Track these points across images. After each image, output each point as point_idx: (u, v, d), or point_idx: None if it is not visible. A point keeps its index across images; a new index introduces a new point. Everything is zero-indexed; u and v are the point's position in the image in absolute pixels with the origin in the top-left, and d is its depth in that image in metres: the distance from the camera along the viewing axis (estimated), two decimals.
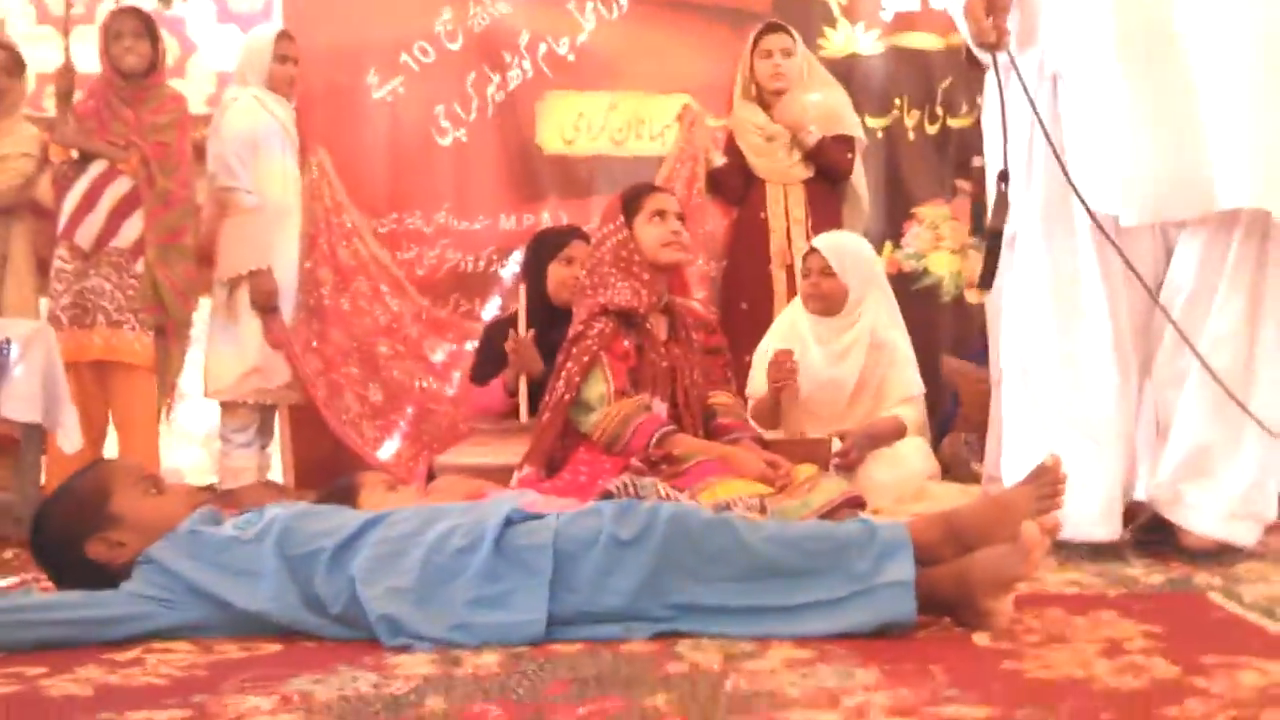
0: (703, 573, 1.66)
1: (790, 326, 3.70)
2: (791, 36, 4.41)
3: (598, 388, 2.83)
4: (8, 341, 3.13)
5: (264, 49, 4.35)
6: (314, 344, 4.43)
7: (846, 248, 3.70)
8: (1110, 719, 1.16)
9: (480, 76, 4.68)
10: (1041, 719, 1.17)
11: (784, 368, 3.43)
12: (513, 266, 4.54)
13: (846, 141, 4.38)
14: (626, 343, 2.88)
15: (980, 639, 1.57)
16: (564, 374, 2.86)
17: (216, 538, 1.86)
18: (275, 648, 1.71)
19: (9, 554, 3.01)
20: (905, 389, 3.59)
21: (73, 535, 1.90)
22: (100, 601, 1.81)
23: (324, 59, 4.67)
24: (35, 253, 4.29)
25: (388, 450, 4.43)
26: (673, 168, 4.54)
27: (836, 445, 3.34)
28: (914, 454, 3.51)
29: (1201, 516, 2.29)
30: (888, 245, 4.62)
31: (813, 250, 3.70)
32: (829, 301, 3.62)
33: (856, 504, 2.63)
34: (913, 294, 4.55)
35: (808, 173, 4.37)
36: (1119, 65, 2.27)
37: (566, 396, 2.83)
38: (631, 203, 2.97)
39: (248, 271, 4.21)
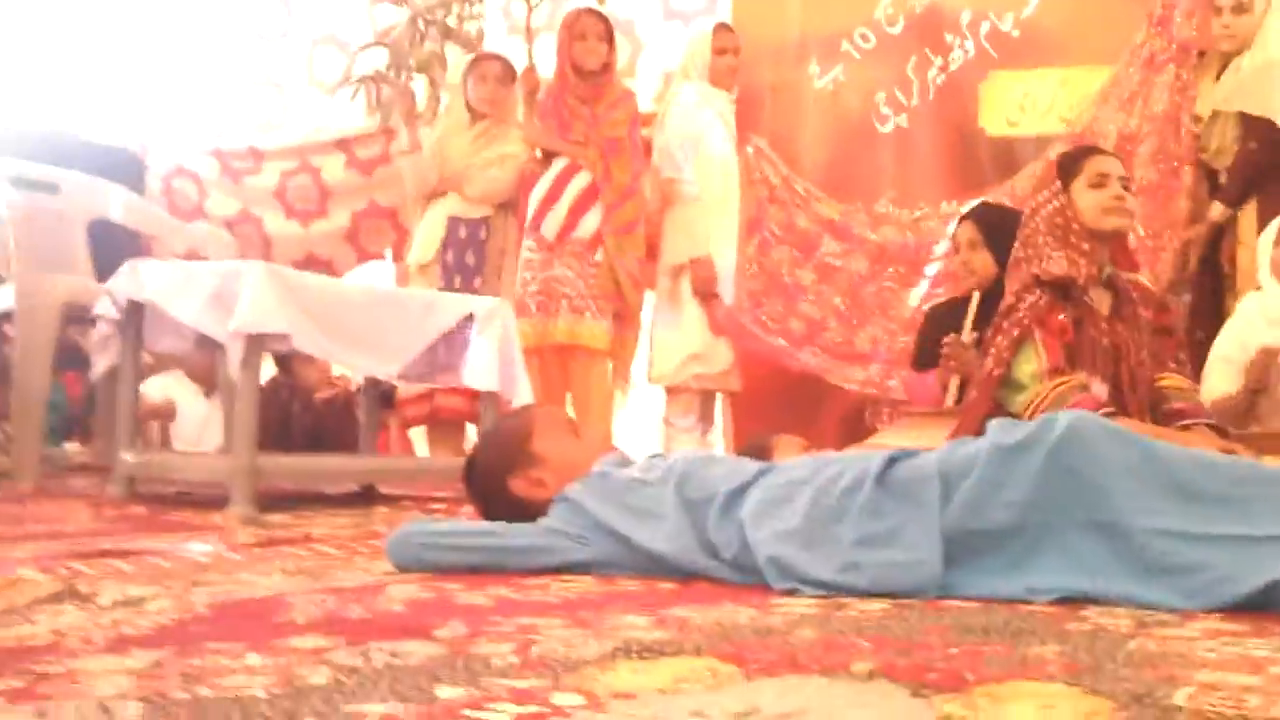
0: (1103, 485, 1.48)
1: (1254, 313, 3.27)
2: None
3: (1029, 365, 2.62)
4: (470, 316, 3.42)
5: (703, 43, 4.52)
6: (786, 324, 4.47)
7: None
8: None
9: (921, 60, 4.58)
10: None
11: (1267, 368, 3.02)
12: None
13: (1266, 127, 3.77)
14: (1063, 317, 2.66)
15: None
16: (993, 349, 2.69)
17: (623, 478, 1.93)
18: (671, 586, 1.74)
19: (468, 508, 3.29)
20: None
21: (499, 471, 2.04)
22: (519, 532, 1.92)
23: (768, 52, 4.78)
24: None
25: (890, 383, 4.35)
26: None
27: None
28: None
29: None
30: None
31: None
32: None
33: None
34: None
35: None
36: None
37: (996, 373, 2.66)
38: (1070, 166, 2.75)
39: (689, 260, 4.36)
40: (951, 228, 3.93)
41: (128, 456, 3.30)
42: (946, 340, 3.29)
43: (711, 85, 4.50)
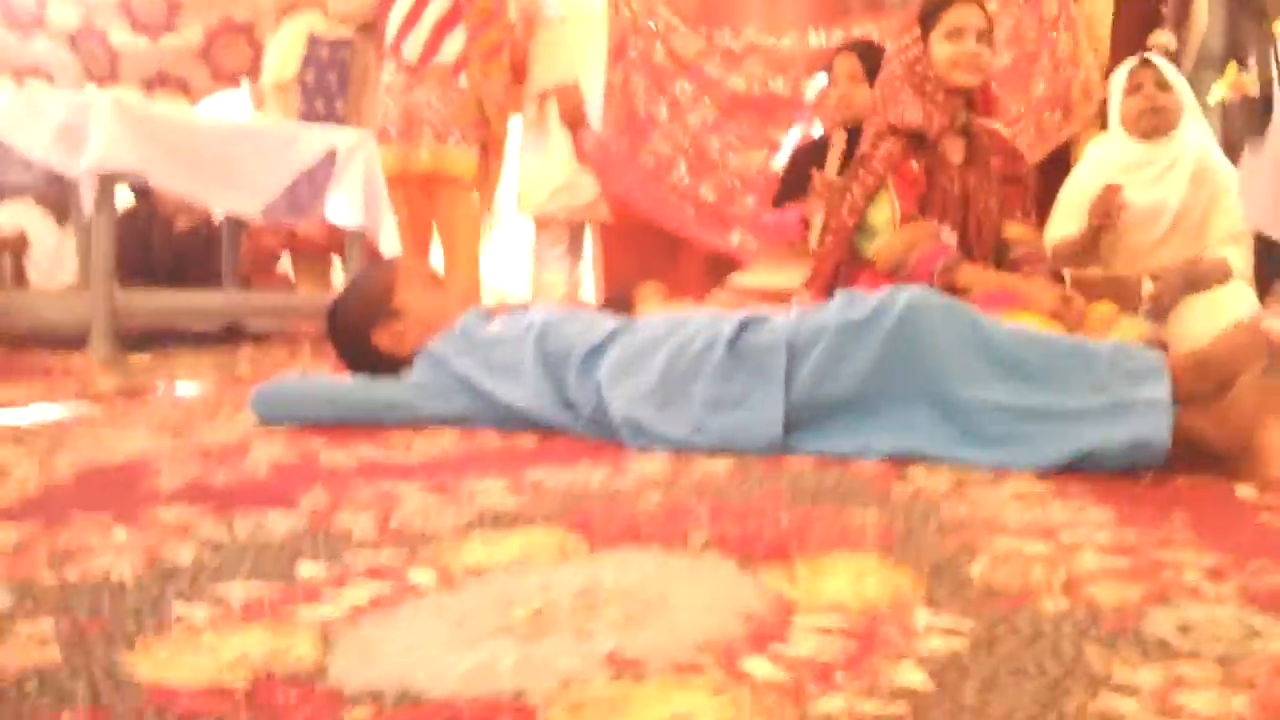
0: (941, 361, 1.59)
1: (1101, 159, 3.38)
2: None
3: (883, 212, 2.71)
4: (334, 150, 3.36)
5: None
6: (637, 158, 4.47)
7: (1167, 62, 3.36)
8: None
9: None
10: (1276, 570, 1.07)
11: (1111, 204, 3.14)
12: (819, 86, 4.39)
13: None
14: (916, 165, 2.74)
15: (1244, 491, 1.44)
16: (849, 197, 2.77)
17: (485, 335, 1.98)
18: (531, 442, 1.81)
19: None
20: (1231, 226, 3.24)
21: (361, 324, 2.08)
22: (382, 388, 1.97)
23: None
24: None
25: (734, 241, 4.40)
26: None
27: (1148, 287, 3.10)
28: (1236, 300, 3.14)
29: None
30: (1232, 66, 4.13)
31: (1145, 63, 3.34)
32: (1164, 117, 3.24)
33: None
34: (1262, 121, 4.07)
35: None
36: None
37: (851, 220, 2.75)
38: (929, 15, 2.77)
39: (555, 87, 4.31)
40: (816, 81, 3.95)
41: None
42: (817, 177, 3.33)
43: None
